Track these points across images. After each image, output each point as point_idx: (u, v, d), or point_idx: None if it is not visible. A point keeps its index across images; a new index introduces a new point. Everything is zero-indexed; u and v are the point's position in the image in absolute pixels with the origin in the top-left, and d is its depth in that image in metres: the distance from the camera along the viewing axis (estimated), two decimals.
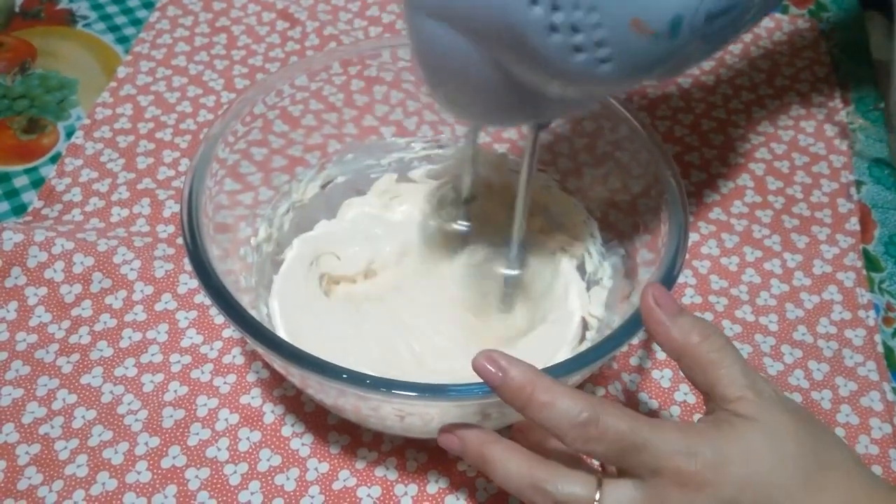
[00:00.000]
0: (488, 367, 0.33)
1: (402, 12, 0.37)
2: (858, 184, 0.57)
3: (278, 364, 0.39)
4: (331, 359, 0.35)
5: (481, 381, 0.33)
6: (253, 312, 0.38)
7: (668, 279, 0.39)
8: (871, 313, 0.50)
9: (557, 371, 0.35)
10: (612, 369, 0.47)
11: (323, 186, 0.51)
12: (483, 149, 0.54)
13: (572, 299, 0.47)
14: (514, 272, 0.46)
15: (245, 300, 0.41)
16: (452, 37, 0.33)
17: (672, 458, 0.31)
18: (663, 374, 0.47)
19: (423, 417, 0.38)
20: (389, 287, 0.48)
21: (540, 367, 0.34)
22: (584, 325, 0.46)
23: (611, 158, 0.48)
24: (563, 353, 0.44)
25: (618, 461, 0.32)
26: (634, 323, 0.36)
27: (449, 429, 0.36)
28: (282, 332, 0.44)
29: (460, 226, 0.49)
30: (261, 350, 0.37)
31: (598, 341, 0.37)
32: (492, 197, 0.51)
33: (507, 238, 0.45)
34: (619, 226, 0.48)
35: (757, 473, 0.31)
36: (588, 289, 0.48)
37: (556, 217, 0.51)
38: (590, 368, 0.37)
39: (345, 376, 0.34)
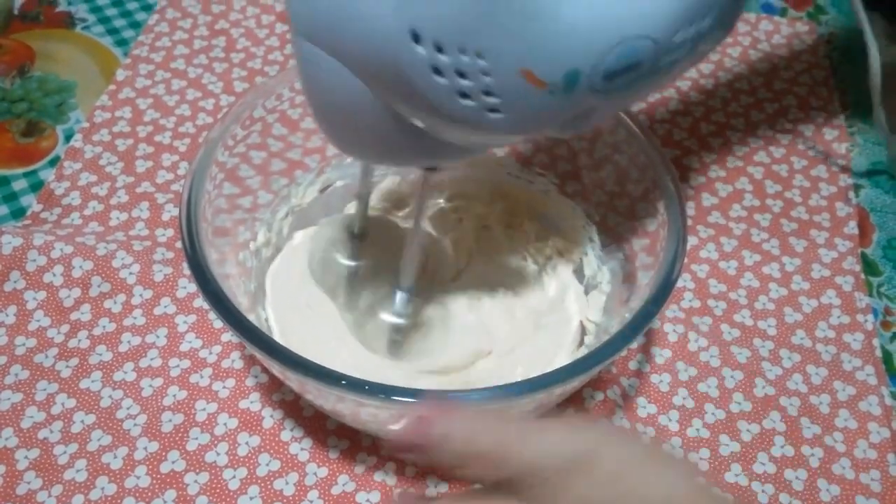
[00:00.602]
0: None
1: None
2: (857, 187, 0.57)
3: (276, 370, 0.39)
4: (328, 363, 0.35)
5: (481, 387, 0.33)
6: (251, 317, 0.38)
7: (667, 283, 0.38)
8: (870, 317, 0.50)
9: (557, 377, 0.35)
10: (611, 374, 0.47)
11: (322, 190, 0.51)
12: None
13: (570, 304, 0.47)
14: (400, 321, 0.44)
15: (243, 304, 0.41)
16: (336, 66, 0.31)
17: None
18: (662, 379, 0.47)
19: None
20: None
21: (538, 372, 0.34)
22: (583, 330, 0.46)
23: (609, 162, 0.48)
24: (562, 358, 0.44)
25: None
26: (633, 327, 0.36)
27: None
28: (278, 336, 0.44)
29: (348, 262, 0.47)
30: (259, 355, 0.37)
31: (596, 346, 0.37)
32: (388, 236, 0.48)
33: (395, 284, 0.43)
34: (618, 230, 0.48)
35: None
36: (586, 293, 0.48)
37: (554, 221, 0.51)
38: (589, 374, 0.37)
39: (343, 382, 0.34)
